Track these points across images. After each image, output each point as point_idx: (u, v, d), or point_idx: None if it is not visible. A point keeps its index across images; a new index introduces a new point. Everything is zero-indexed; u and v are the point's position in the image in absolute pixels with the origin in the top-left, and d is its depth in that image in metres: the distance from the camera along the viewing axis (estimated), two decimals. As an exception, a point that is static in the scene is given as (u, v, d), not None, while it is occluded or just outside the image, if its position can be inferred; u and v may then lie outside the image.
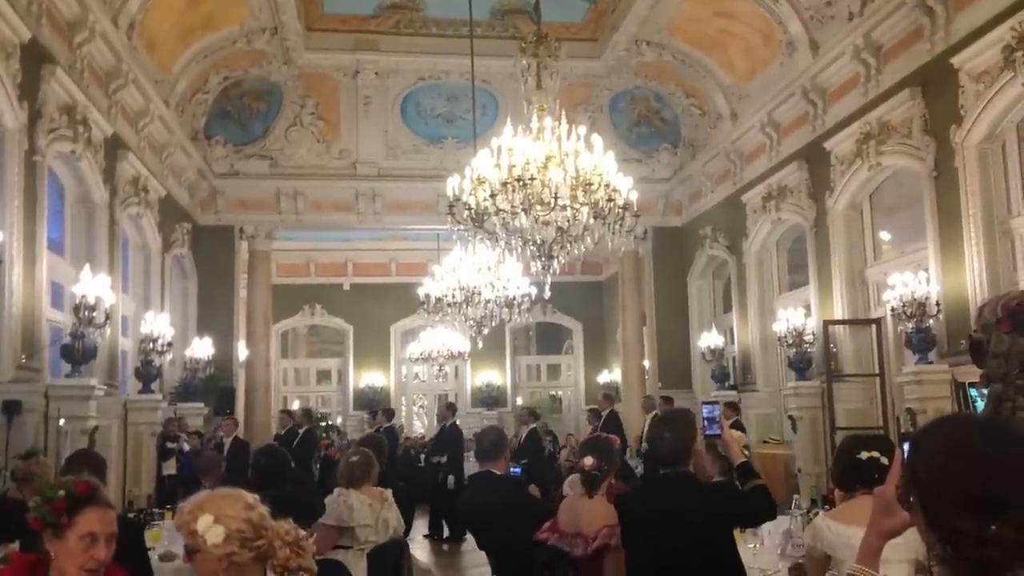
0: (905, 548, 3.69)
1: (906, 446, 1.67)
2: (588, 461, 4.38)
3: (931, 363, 9.01)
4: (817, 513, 4.36)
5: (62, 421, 8.25)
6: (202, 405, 12.65)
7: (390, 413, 14.17)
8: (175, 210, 13.77)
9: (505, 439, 5.45)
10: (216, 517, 2.56)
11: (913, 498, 1.55)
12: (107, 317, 8.85)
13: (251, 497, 2.69)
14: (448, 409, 13.56)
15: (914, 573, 3.73)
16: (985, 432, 1.57)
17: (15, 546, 4.87)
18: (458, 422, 13.46)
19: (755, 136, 13.07)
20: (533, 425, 13.26)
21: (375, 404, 19.75)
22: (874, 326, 10.63)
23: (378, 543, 5.25)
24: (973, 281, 8.65)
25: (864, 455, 3.90)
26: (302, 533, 2.71)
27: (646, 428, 13.26)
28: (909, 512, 1.59)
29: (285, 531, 2.66)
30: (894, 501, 1.67)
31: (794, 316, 11.47)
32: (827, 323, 10.87)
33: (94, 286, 8.66)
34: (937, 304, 9.06)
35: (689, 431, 3.94)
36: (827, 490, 5.76)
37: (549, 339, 22.75)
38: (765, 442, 12.45)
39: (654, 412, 13.25)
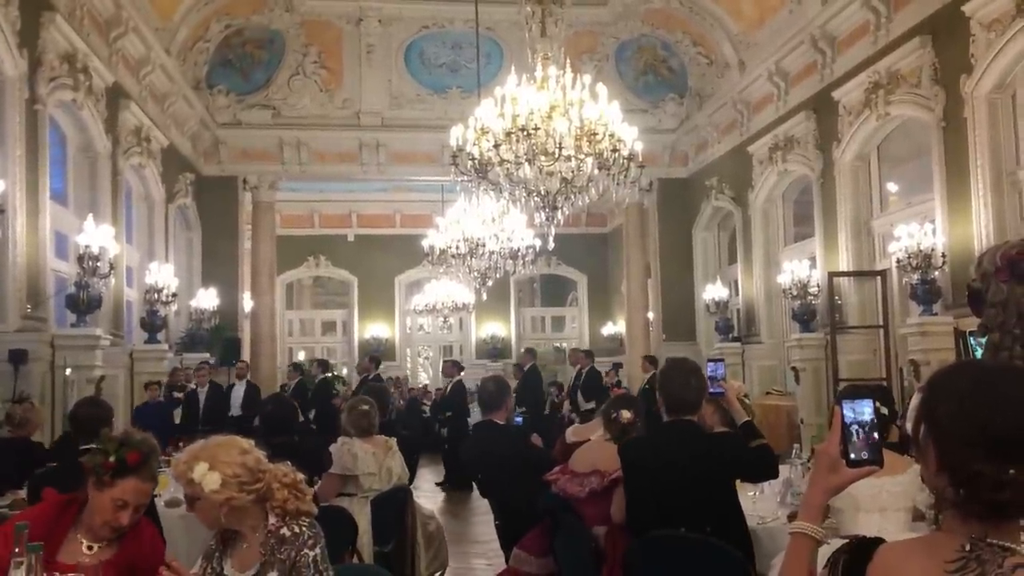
0: (903, 496, 3.74)
1: (844, 404, 1.67)
2: (627, 415, 4.53)
3: (935, 315, 9.00)
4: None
5: (68, 371, 8.32)
6: (208, 355, 12.72)
7: (325, 364, 14.21)
8: (178, 160, 13.71)
9: (505, 389, 5.47)
10: (211, 464, 2.61)
11: (926, 440, 1.54)
12: (111, 267, 8.86)
13: (246, 443, 2.75)
14: (371, 362, 13.47)
15: (911, 520, 3.77)
16: (1007, 376, 1.57)
17: (23, 492, 4.94)
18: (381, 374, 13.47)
19: (762, 86, 12.92)
20: (458, 377, 13.10)
21: (380, 355, 19.86)
22: (879, 278, 10.62)
23: (382, 491, 5.29)
24: (979, 233, 8.60)
25: None
26: (300, 476, 2.76)
27: (570, 381, 13.30)
28: (917, 454, 1.59)
29: (283, 473, 2.71)
30: (838, 459, 1.67)
31: (799, 268, 11.45)
32: (832, 275, 10.85)
33: (98, 236, 8.65)
34: (943, 256, 9.03)
35: (705, 381, 4.03)
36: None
37: (554, 291, 22.77)
38: (768, 393, 12.50)
39: (577, 368, 13.20)
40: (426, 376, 22.16)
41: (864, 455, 1.65)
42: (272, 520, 2.67)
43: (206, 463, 2.62)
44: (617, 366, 17.07)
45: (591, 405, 11.97)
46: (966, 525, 1.49)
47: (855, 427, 1.66)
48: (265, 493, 2.67)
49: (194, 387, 11.10)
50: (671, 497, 3.79)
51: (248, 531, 2.70)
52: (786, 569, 1.75)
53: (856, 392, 1.73)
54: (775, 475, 4.10)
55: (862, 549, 1.56)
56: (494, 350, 20.17)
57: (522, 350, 15.06)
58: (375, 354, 15.26)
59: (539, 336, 21.81)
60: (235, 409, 11.30)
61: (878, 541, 1.57)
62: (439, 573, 5.84)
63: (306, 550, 2.60)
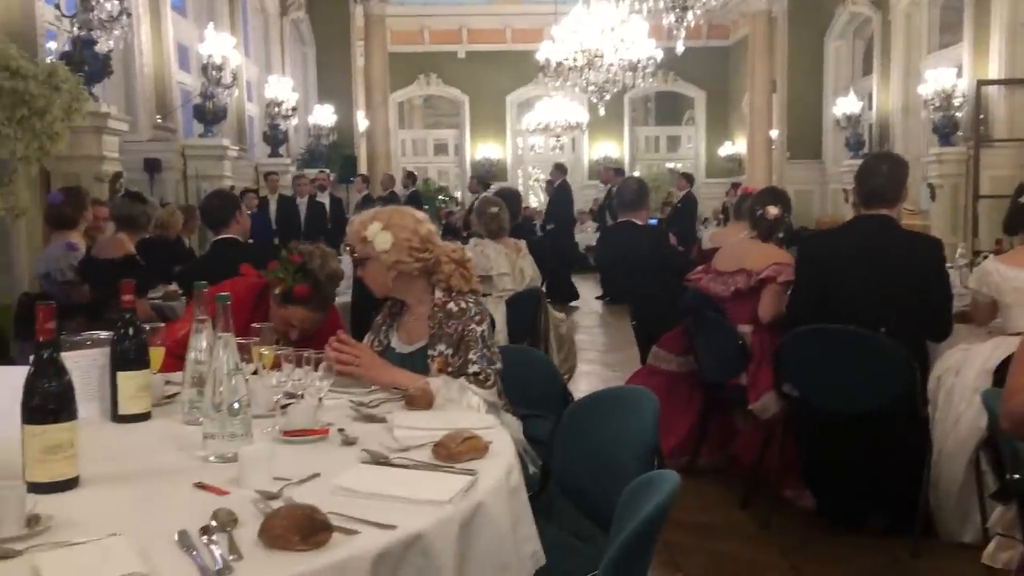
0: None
1: None
2: (773, 210, 4.34)
3: (1099, 123, 8.29)
4: (987, 257, 4.15)
5: (200, 181, 8.52)
6: (328, 171, 12.87)
7: (412, 177, 13.88)
8: (290, -29, 13.45)
9: (646, 190, 5.31)
10: (385, 225, 2.59)
11: None
12: (234, 77, 8.87)
13: (420, 214, 2.71)
14: (479, 183, 13.15)
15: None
16: None
17: (174, 287, 5.13)
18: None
19: None
20: (484, 194, 12.61)
21: (491, 176, 19.83)
22: (1034, 85, 9.79)
23: (516, 291, 5.30)
24: None
25: None
26: (468, 254, 2.71)
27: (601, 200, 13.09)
28: None
29: (451, 249, 2.69)
30: None
31: (944, 76, 10.61)
32: (980, 83, 10.06)
33: (219, 46, 8.62)
34: (1114, 58, 8.19)
35: (906, 170, 3.76)
36: (996, 245, 5.40)
37: (669, 109, 22.00)
38: (899, 212, 11.96)
39: (608, 186, 12.69)
40: (536, 199, 22.09)
41: None
42: (439, 295, 2.64)
43: (381, 223, 2.60)
44: (736, 186, 16.61)
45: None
46: None
47: None
48: (432, 266, 2.64)
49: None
50: (849, 293, 3.60)
51: (415, 304, 2.69)
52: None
53: None
54: (944, 336, 3.70)
55: None
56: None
57: (552, 167, 14.44)
58: (484, 177, 15.02)
59: (653, 156, 21.29)
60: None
61: None
62: (568, 374, 5.91)
63: (473, 325, 2.58)
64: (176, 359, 2.42)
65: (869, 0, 13.16)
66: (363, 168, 15.35)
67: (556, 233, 11.76)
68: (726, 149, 19.75)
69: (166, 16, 8.96)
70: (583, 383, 6.75)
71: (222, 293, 1.97)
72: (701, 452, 4.59)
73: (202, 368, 2.12)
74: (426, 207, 15.49)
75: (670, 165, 21.55)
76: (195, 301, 2.24)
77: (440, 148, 21.59)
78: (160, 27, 8.83)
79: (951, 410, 3.51)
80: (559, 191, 12.93)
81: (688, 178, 13.50)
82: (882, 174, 3.69)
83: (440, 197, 17.66)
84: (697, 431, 4.56)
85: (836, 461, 3.73)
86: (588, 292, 12.24)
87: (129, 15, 6.92)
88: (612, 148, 20.46)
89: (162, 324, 2.52)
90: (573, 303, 11.48)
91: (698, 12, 7.81)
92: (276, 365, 2.23)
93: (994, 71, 10.28)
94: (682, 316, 4.41)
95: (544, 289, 5.76)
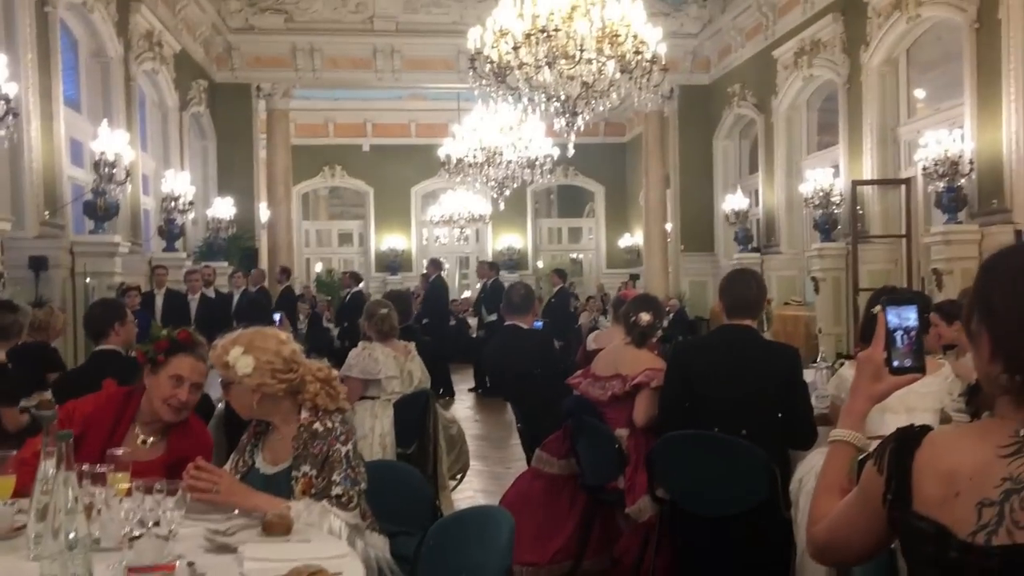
0: (932, 398, 3.71)
1: (889, 310, 1.62)
2: (645, 317, 4.46)
3: (960, 223, 8.87)
4: (843, 364, 4.37)
5: (88, 278, 8.33)
6: (226, 264, 12.74)
7: (356, 277, 14.08)
8: (191, 66, 13.48)
9: (533, 295, 5.46)
10: (246, 349, 2.62)
11: (979, 326, 1.48)
12: (128, 174, 8.77)
13: (284, 334, 2.75)
14: (283, 274, 13.61)
15: (938, 423, 3.74)
16: None
17: (48, 394, 4.97)
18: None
19: (789, -13, 12.51)
20: (356, 288, 13.08)
21: (397, 266, 19.93)
22: (903, 186, 10.45)
23: (404, 394, 5.32)
24: (1009, 139, 8.40)
25: (876, 309, 3.91)
26: (334, 372, 2.75)
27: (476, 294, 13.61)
28: (970, 342, 1.52)
29: (317, 367, 2.71)
30: (882, 366, 1.62)
31: (822, 176, 11.24)
32: (856, 183, 10.69)
33: (113, 142, 8.55)
34: (970, 162, 8.83)
35: (765, 286, 4.01)
36: (855, 348, 5.72)
37: (571, 202, 22.57)
38: (786, 304, 12.47)
39: (483, 280, 13.44)
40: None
41: (907, 362, 1.61)
42: (304, 414, 2.66)
43: (241, 347, 2.63)
44: (634, 277, 17.08)
45: (493, 317, 12.04)
46: (1021, 411, 1.43)
47: (899, 333, 1.62)
48: (298, 385, 2.67)
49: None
50: (715, 398, 3.77)
51: (280, 424, 2.71)
52: (824, 476, 1.72)
53: (901, 298, 1.67)
54: (809, 444, 3.83)
55: (910, 437, 1.52)
56: (511, 261, 20.14)
57: (426, 261, 14.70)
58: (357, 273, 15.01)
59: (556, 247, 21.73)
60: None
61: (926, 429, 1.53)
62: (460, 475, 5.92)
63: (339, 445, 2.60)
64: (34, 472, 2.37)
65: (753, 104, 13.92)
66: (264, 259, 15.24)
67: (431, 327, 11.88)
68: (625, 240, 20.30)
69: (58, 112, 8.87)
70: (476, 482, 6.76)
71: (61, 432, 1.96)
72: (586, 554, 4.63)
73: (47, 499, 2.08)
74: (328, 298, 15.64)
75: (573, 255, 22.02)
76: (43, 431, 2.22)
77: (345, 238, 21.62)
78: (52, 123, 8.73)
79: (812, 512, 3.65)
80: (433, 286, 13.10)
81: (561, 274, 13.81)
82: (751, 287, 3.93)
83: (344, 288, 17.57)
84: (580, 534, 4.61)
85: (707, 563, 3.83)
86: (466, 383, 12.49)
87: (16, 115, 6.86)
88: (516, 239, 20.82)
89: (13, 452, 2.47)
90: (449, 397, 11.59)
91: (587, 117, 8.09)
92: (129, 494, 2.21)
93: (868, 171, 10.95)
94: (562, 419, 4.50)
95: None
